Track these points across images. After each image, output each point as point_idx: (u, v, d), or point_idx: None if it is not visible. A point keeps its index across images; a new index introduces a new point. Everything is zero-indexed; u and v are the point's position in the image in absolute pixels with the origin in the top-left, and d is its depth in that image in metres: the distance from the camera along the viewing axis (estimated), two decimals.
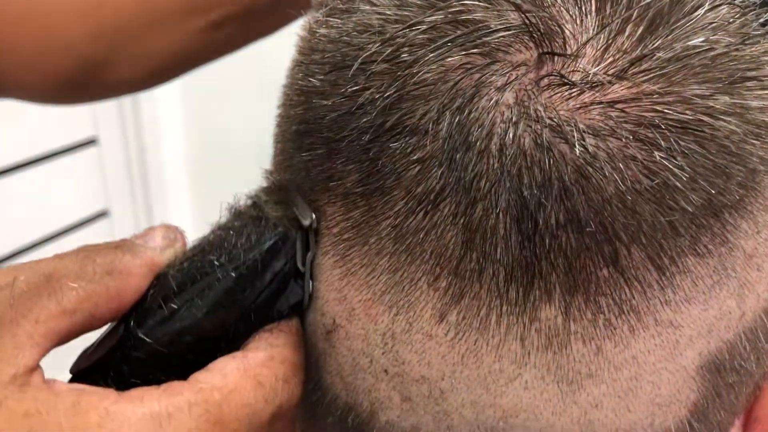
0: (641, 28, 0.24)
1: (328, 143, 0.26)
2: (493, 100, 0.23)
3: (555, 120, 0.23)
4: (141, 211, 1.79)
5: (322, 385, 0.29)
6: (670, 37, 0.23)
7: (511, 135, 0.23)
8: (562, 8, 0.24)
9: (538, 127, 0.23)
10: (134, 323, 0.27)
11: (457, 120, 0.23)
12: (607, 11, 0.24)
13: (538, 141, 0.23)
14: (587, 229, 0.23)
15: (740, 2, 0.25)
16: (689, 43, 0.23)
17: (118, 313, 0.27)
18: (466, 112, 0.23)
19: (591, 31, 0.24)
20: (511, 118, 0.23)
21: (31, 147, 1.48)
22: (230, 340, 0.27)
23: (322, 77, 0.26)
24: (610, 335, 0.24)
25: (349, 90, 0.25)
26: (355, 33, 0.26)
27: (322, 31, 0.27)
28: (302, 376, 0.28)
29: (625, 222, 0.23)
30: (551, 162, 0.22)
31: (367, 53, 0.25)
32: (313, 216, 0.27)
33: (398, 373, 0.26)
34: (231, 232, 0.28)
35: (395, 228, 0.25)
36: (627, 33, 0.24)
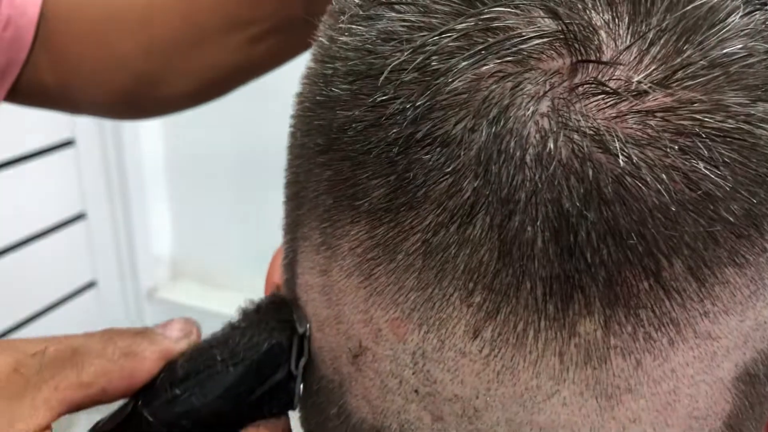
0: (676, 36, 0.23)
1: (352, 156, 0.25)
2: (530, 109, 0.22)
3: (594, 129, 0.22)
4: (119, 213, 1.76)
5: (347, 409, 0.28)
6: (706, 44, 0.23)
7: (550, 145, 0.22)
8: (594, 14, 0.24)
9: (578, 136, 0.22)
10: (142, 402, 0.30)
11: (493, 130, 0.22)
12: (641, 18, 0.24)
13: (578, 151, 0.22)
14: (629, 242, 0.22)
15: None
16: (726, 50, 0.23)
17: (129, 391, 0.30)
18: (502, 122, 0.22)
19: (626, 39, 0.23)
20: (550, 127, 0.22)
21: (6, 148, 1.45)
22: (224, 429, 0.30)
23: (345, 87, 0.25)
24: (649, 348, 0.23)
25: (377, 100, 0.24)
26: (379, 41, 0.25)
27: (344, 39, 0.26)
28: None
29: (668, 233, 0.22)
30: (592, 172, 0.22)
31: (396, 61, 0.24)
32: (308, 325, 0.29)
33: (429, 392, 0.25)
34: (236, 331, 0.31)
35: (425, 243, 0.24)
36: (662, 40, 0.23)
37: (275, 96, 1.05)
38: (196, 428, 0.29)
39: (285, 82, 0.62)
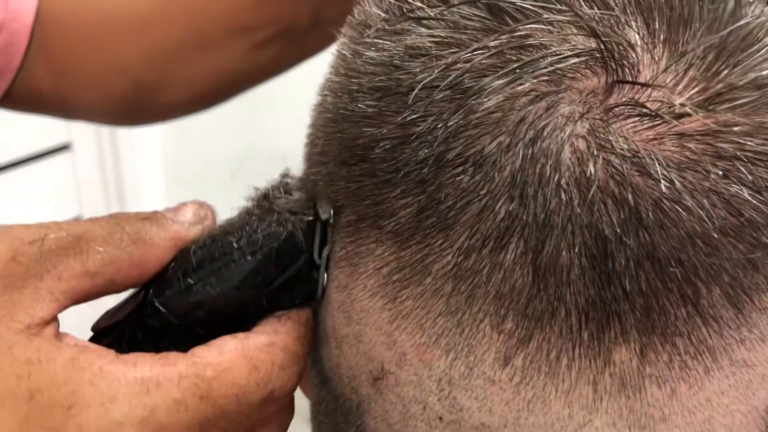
0: (714, 56, 0.23)
1: (379, 174, 0.24)
2: (567, 131, 0.22)
3: (633, 152, 0.21)
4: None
5: (365, 431, 0.27)
6: (743, 65, 0.22)
7: (588, 168, 0.21)
8: (630, 31, 0.23)
9: (616, 159, 0.21)
10: (153, 292, 0.28)
11: (529, 152, 0.22)
12: (678, 36, 0.23)
13: (617, 174, 0.21)
14: (669, 269, 0.21)
15: None
16: (764, 72, 0.22)
17: (139, 281, 0.28)
18: (538, 143, 0.22)
19: (663, 57, 0.23)
20: (587, 149, 0.22)
21: (2, 152, 1.44)
22: (240, 321, 0.28)
23: (371, 103, 0.25)
24: (685, 377, 0.23)
25: (407, 119, 0.23)
26: (407, 57, 0.24)
27: (370, 53, 0.25)
28: (302, 367, 0.28)
29: (708, 260, 0.22)
30: (632, 197, 0.21)
31: (427, 79, 0.23)
32: (331, 211, 0.27)
33: (455, 420, 0.24)
34: (254, 217, 0.28)
35: (455, 267, 0.23)
36: (701, 61, 0.22)
37: (274, 102, 1.04)
38: (211, 319, 0.28)
39: (285, 89, 0.61)
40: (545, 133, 0.22)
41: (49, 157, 1.58)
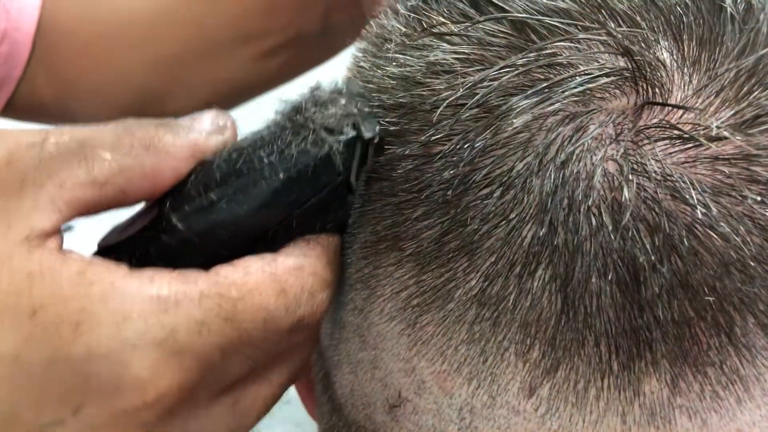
0: (743, 78, 0.22)
1: (400, 194, 0.24)
2: (598, 154, 0.21)
3: (666, 176, 0.21)
4: (106, 224, 1.74)
5: None
6: None
7: (621, 194, 0.21)
8: (661, 50, 0.22)
9: (650, 184, 0.21)
10: (169, 207, 0.25)
11: (560, 175, 0.21)
12: (710, 55, 0.22)
13: (649, 199, 0.21)
14: (703, 298, 0.21)
15: None
16: None
17: (153, 194, 0.25)
18: (569, 166, 0.21)
19: (694, 77, 0.22)
20: (618, 173, 0.21)
21: None
22: (267, 243, 0.25)
23: (392, 120, 0.24)
24: (717, 408, 0.22)
25: (432, 138, 0.23)
26: (430, 73, 0.24)
27: (392, 69, 0.25)
28: (331, 294, 0.26)
29: (743, 288, 0.21)
30: (667, 223, 0.21)
31: (453, 97, 0.22)
32: (377, 129, 0.25)
33: None
34: (287, 131, 0.25)
35: (480, 292, 0.22)
36: (734, 83, 0.22)
37: (270, 107, 1.04)
38: (234, 240, 0.25)
39: (284, 95, 0.61)
40: (575, 156, 0.21)
41: None
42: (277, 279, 0.24)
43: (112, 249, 0.26)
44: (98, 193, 0.24)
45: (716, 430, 0.22)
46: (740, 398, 0.22)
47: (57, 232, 0.23)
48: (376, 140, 0.25)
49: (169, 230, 0.25)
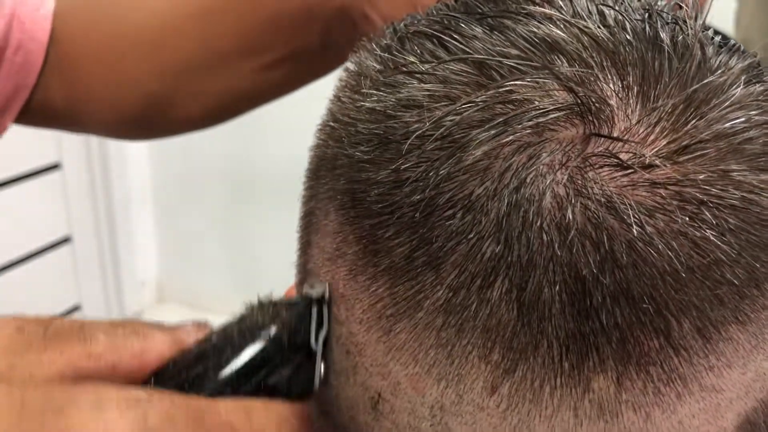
0: (680, 110, 0.25)
1: (374, 215, 0.26)
2: (549, 179, 0.24)
3: (607, 197, 0.23)
4: (104, 237, 1.76)
5: None
6: (710, 116, 0.24)
7: (566, 213, 0.23)
8: (605, 85, 0.25)
9: (592, 204, 0.23)
10: (154, 383, 0.28)
11: (514, 198, 0.24)
12: (649, 91, 0.25)
13: (593, 218, 0.23)
14: (642, 305, 0.23)
15: None
16: (729, 123, 0.24)
17: (140, 372, 0.28)
18: (522, 190, 0.24)
19: (636, 109, 0.25)
20: (566, 195, 0.23)
21: None
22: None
23: (366, 149, 0.27)
24: (659, 402, 0.24)
25: (401, 167, 0.25)
26: (401, 108, 0.26)
27: (368, 104, 0.27)
28: None
29: (677, 297, 0.23)
30: (607, 239, 0.23)
31: (421, 130, 0.25)
32: (327, 287, 0.28)
33: None
34: (249, 312, 0.29)
35: (446, 302, 0.25)
36: (670, 114, 0.24)
37: (263, 120, 1.05)
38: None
39: (275, 107, 0.63)
40: (528, 180, 0.24)
41: (39, 176, 1.58)
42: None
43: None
44: (93, 364, 0.27)
45: (659, 422, 0.25)
46: (680, 393, 0.24)
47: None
48: (326, 297, 0.28)
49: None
